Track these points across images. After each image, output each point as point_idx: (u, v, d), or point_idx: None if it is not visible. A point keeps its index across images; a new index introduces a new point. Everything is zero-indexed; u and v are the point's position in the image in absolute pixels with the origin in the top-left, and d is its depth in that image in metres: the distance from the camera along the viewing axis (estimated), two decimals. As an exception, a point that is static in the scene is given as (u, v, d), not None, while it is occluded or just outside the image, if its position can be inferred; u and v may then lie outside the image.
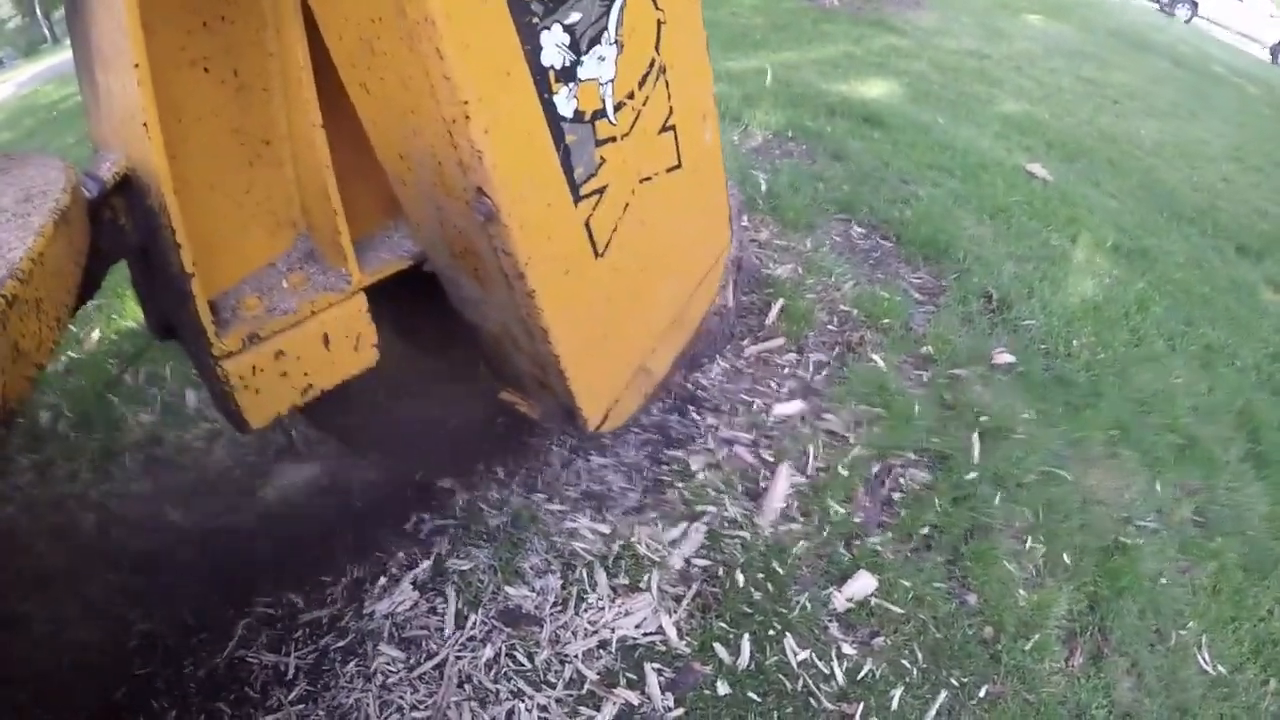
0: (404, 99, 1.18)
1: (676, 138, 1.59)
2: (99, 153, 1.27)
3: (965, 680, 1.73)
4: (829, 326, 2.68)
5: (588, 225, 1.40)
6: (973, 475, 2.18)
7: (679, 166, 1.62)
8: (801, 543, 1.91)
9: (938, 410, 2.39)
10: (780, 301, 2.69)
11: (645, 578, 1.79)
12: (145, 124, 1.10)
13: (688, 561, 1.85)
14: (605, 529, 1.90)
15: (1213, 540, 2.26)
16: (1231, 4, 16.68)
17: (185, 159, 1.25)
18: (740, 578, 1.81)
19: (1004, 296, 3.05)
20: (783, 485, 2.04)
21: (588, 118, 1.32)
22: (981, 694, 1.71)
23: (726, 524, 1.93)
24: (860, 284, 2.95)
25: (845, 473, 2.11)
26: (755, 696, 1.61)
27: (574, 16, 1.23)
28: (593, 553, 1.84)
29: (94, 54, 1.22)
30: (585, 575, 1.79)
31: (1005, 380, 2.60)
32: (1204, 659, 1.95)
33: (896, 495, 2.11)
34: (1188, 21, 16.38)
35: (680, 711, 1.57)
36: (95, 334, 2.61)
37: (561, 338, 1.42)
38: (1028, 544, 2.06)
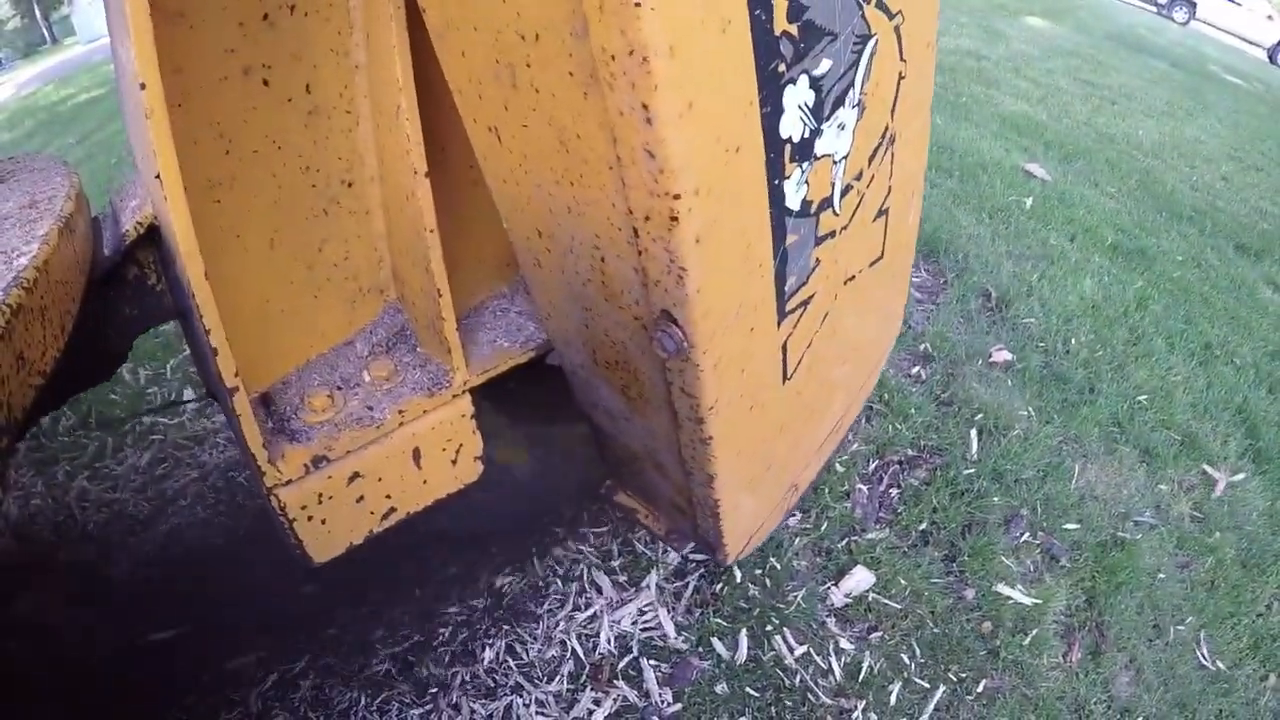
0: (559, 162, 0.81)
1: (887, 225, 1.25)
2: (130, 181, 1.03)
3: (963, 675, 1.73)
4: (827, 324, 2.69)
5: (784, 347, 1.06)
6: (970, 471, 2.18)
7: (880, 259, 1.28)
8: (799, 538, 1.92)
9: (936, 407, 2.40)
10: (778, 299, 2.69)
11: (643, 574, 1.79)
12: (159, 176, 0.79)
13: (685, 558, 1.85)
14: (603, 525, 1.90)
15: (1211, 536, 2.26)
16: (1229, 7, 16.69)
17: (234, 205, 0.96)
18: (738, 573, 1.81)
19: (1003, 295, 3.06)
20: (781, 481, 2.03)
21: (814, 210, 0.97)
22: (980, 689, 1.71)
23: (725, 520, 1.93)
24: (858, 282, 2.95)
25: (843, 469, 2.11)
26: (753, 691, 1.61)
27: (824, 66, 0.86)
28: (592, 548, 1.84)
29: (117, 47, 0.96)
30: (584, 571, 1.79)
31: (1003, 377, 2.61)
32: (1203, 654, 1.95)
33: (894, 491, 2.11)
34: (1185, 24, 16.40)
35: (678, 707, 1.57)
36: (95, 333, 2.61)
37: (727, 482, 1.10)
38: (1025, 539, 2.06)
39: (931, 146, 4.39)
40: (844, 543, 1.93)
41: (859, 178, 1.06)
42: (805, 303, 1.06)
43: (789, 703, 1.60)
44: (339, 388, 1.09)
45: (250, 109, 0.93)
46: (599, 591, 1.76)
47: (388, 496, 1.13)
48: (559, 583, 1.76)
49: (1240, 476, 2.50)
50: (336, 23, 0.94)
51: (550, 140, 0.80)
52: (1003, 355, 2.70)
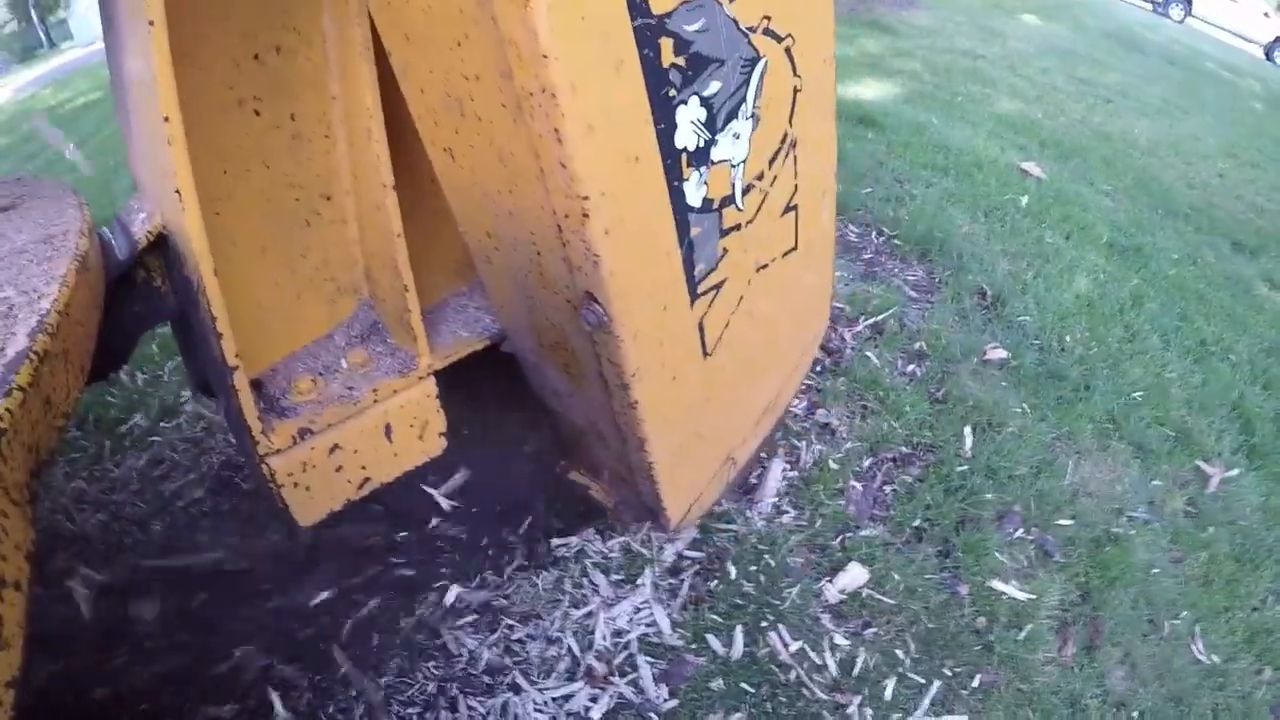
0: (499, 175, 0.98)
1: (797, 219, 1.39)
2: (134, 197, 1.12)
3: (958, 670, 1.73)
4: (823, 323, 2.70)
5: (701, 325, 1.21)
6: (964, 468, 2.19)
7: (795, 249, 1.42)
8: (793, 535, 1.92)
9: (930, 404, 2.41)
10: (774, 298, 2.70)
11: (639, 571, 1.80)
12: (179, 191, 0.92)
13: (680, 555, 1.86)
14: (599, 523, 1.91)
15: (1204, 531, 2.27)
16: (1225, 4, 16.70)
17: (231, 216, 1.10)
18: (733, 570, 1.82)
19: (997, 293, 3.07)
20: (775, 478, 2.05)
21: (715, 205, 1.13)
22: (975, 684, 1.72)
23: (718, 517, 1.94)
24: (854, 281, 2.96)
25: (837, 466, 2.12)
26: (749, 688, 1.62)
27: (713, 87, 1.02)
28: (587, 547, 1.85)
29: (125, 80, 1.05)
30: (579, 569, 1.80)
31: (998, 375, 2.62)
32: (1198, 649, 1.96)
33: (888, 488, 2.12)
34: (1181, 21, 16.42)
35: (674, 703, 1.57)
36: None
37: (658, 445, 1.25)
38: (1019, 535, 2.07)
39: (927, 145, 4.41)
40: (838, 539, 1.94)
41: (760, 178, 1.22)
42: (717, 287, 1.21)
43: (784, 699, 1.61)
44: (321, 374, 1.24)
45: (244, 134, 1.08)
46: (595, 589, 1.77)
47: (363, 467, 1.28)
48: (554, 581, 1.77)
49: (1234, 472, 2.50)
50: (316, 61, 1.11)
51: (492, 158, 0.96)
52: (997, 353, 2.71)
